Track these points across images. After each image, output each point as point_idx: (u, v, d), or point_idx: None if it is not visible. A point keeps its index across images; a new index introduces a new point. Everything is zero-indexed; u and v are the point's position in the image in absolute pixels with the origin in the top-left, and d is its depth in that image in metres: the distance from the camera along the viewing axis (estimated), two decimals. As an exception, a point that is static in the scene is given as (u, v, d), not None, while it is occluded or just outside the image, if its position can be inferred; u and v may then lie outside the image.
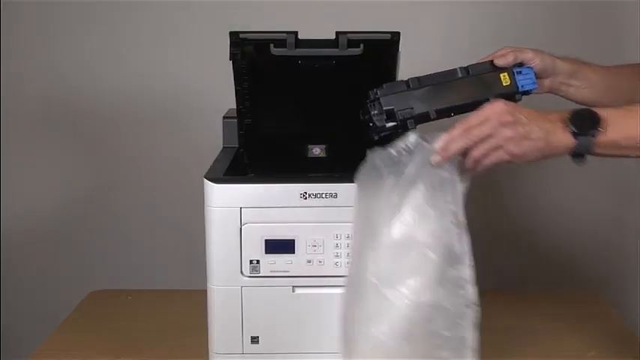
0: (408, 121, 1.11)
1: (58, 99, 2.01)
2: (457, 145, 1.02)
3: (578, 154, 1.00)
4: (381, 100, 1.12)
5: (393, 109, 1.12)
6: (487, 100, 1.12)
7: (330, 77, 1.33)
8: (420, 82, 1.14)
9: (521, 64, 1.20)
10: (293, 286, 1.20)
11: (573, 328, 1.49)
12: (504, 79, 1.18)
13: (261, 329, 1.21)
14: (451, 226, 1.02)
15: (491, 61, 1.19)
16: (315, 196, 1.17)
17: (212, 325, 1.22)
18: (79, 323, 1.54)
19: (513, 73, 1.19)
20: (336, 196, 1.17)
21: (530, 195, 2.04)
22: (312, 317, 1.21)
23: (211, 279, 1.20)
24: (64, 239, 2.08)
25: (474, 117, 1.03)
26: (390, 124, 1.12)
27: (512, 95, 1.18)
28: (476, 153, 1.01)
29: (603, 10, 1.91)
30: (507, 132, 0.99)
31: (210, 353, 1.24)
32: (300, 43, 1.25)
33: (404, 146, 1.06)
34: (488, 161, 1.01)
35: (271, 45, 1.25)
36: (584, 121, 0.99)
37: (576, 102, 1.25)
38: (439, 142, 1.04)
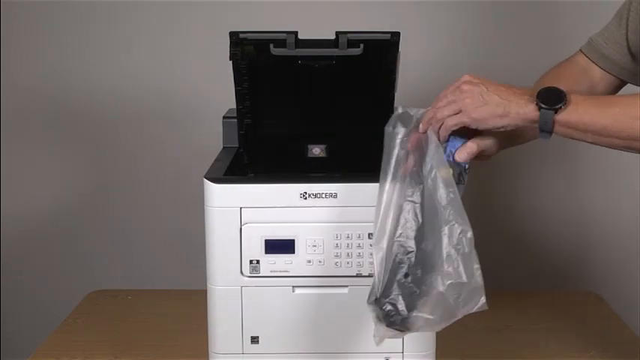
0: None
1: (57, 99, 2.01)
2: (429, 113, 1.09)
3: (542, 130, 1.04)
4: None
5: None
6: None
7: (330, 77, 1.33)
8: None
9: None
10: (293, 286, 1.20)
11: (573, 328, 1.49)
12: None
13: (261, 329, 1.21)
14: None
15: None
16: (315, 196, 1.17)
17: (212, 325, 1.22)
18: (78, 323, 1.54)
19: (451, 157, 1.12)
20: (336, 196, 1.17)
21: (530, 196, 2.04)
22: (312, 317, 1.21)
23: (211, 279, 1.20)
24: (63, 239, 2.08)
25: (447, 88, 1.09)
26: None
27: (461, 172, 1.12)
28: (439, 114, 1.08)
29: (603, 9, 1.91)
30: (467, 98, 1.06)
31: (210, 353, 1.24)
32: (300, 43, 1.25)
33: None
34: (450, 122, 1.07)
35: (271, 45, 1.25)
36: (550, 96, 1.04)
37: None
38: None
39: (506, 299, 1.62)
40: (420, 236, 1.07)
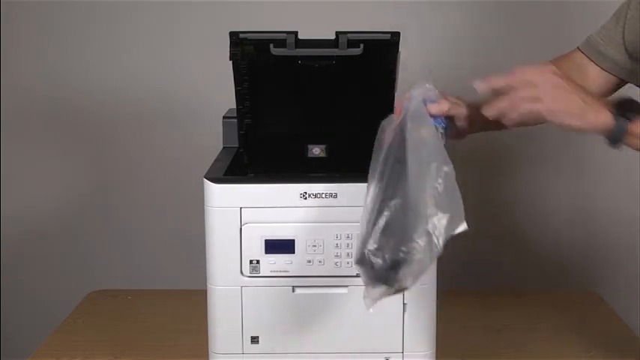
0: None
1: (57, 99, 2.01)
2: (501, 81, 1.05)
3: (613, 139, 1.03)
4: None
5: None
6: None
7: (330, 77, 1.33)
8: None
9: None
10: (293, 286, 1.20)
11: (573, 328, 1.49)
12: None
13: (261, 329, 1.21)
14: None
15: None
16: (315, 196, 1.17)
17: (212, 325, 1.22)
18: (78, 323, 1.54)
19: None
20: (336, 196, 1.17)
21: (530, 195, 2.04)
22: (312, 317, 1.21)
23: (211, 279, 1.20)
24: (63, 239, 2.08)
25: (530, 70, 1.05)
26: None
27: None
28: (513, 95, 1.04)
29: (604, 9, 1.91)
30: (550, 89, 1.03)
31: (210, 353, 1.24)
32: (300, 43, 1.25)
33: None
34: (525, 108, 1.03)
35: (271, 45, 1.25)
36: (625, 105, 1.04)
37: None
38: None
39: (506, 298, 1.62)
40: (401, 185, 1.05)
